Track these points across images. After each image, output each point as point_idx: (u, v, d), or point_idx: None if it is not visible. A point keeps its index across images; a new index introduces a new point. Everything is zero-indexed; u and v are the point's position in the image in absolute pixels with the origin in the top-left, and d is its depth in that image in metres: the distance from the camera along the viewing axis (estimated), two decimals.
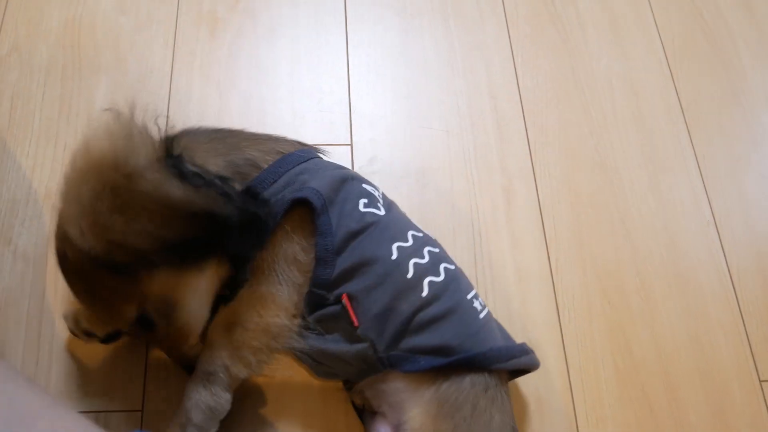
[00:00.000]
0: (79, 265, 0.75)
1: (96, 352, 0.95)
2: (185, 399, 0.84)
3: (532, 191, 1.15)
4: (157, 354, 0.95)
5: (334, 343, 0.83)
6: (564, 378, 1.00)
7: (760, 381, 1.04)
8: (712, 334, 1.07)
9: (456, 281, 0.86)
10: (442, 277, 0.84)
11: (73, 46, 1.17)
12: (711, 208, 1.17)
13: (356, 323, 0.81)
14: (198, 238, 0.73)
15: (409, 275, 0.82)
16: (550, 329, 1.03)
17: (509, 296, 1.05)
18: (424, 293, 0.81)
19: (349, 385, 0.91)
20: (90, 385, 0.93)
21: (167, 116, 1.11)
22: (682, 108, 1.26)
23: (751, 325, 1.08)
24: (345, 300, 0.81)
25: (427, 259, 0.84)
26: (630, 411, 0.99)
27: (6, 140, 1.08)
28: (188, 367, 0.86)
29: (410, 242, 0.85)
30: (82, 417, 0.60)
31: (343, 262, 0.82)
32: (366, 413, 0.90)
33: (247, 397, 0.93)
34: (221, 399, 0.83)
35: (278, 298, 0.82)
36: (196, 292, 0.81)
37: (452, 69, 1.25)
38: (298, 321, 0.83)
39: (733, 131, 1.25)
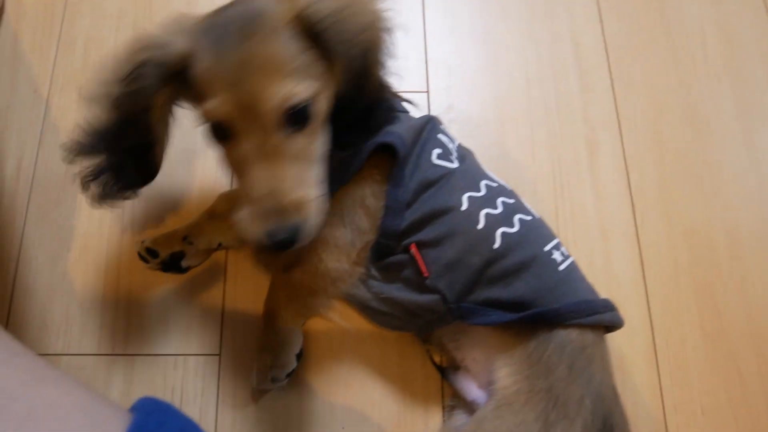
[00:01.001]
0: None
1: (174, 298, 0.95)
2: (261, 341, 0.88)
3: (617, 142, 1.09)
4: (232, 301, 0.95)
5: (400, 291, 0.82)
6: (648, 338, 0.97)
7: None
8: None
9: (533, 232, 0.81)
10: (516, 229, 0.80)
11: None
12: None
13: (426, 273, 0.79)
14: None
15: (480, 226, 0.79)
16: (635, 287, 0.99)
17: (592, 251, 1.01)
18: (496, 245, 0.78)
19: (426, 337, 0.89)
20: (168, 330, 0.94)
21: None
22: None
23: None
24: (414, 250, 0.79)
25: (500, 209, 0.81)
26: (717, 375, 0.95)
27: (80, 87, 1.08)
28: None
29: (483, 192, 0.82)
30: (74, 389, 0.56)
31: (413, 213, 0.80)
32: (448, 368, 0.89)
33: (324, 346, 0.93)
34: (289, 336, 0.86)
35: (340, 242, 0.80)
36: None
37: (532, 13, 1.19)
38: (359, 269, 0.82)
39: None
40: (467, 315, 0.79)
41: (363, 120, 0.77)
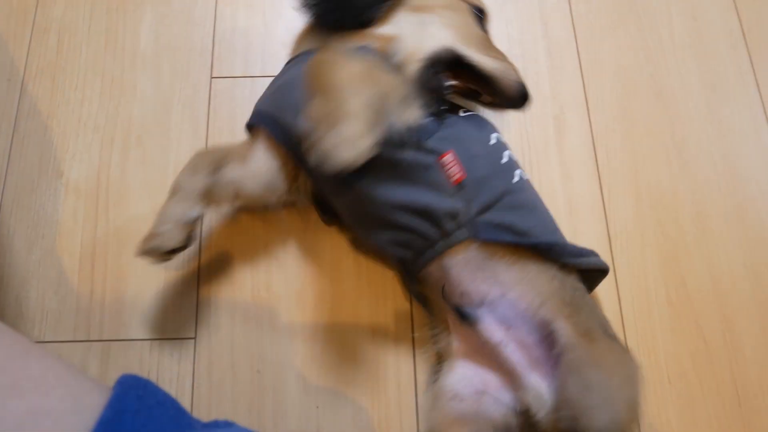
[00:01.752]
0: None
1: (148, 283, 0.96)
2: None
3: (585, 120, 1.11)
4: (207, 284, 0.96)
5: (417, 195, 0.81)
6: (615, 308, 0.99)
7: None
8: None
9: (532, 187, 0.90)
10: (524, 179, 0.89)
11: None
12: None
13: (461, 177, 0.81)
14: None
15: (504, 161, 0.87)
16: (602, 258, 1.01)
17: (560, 227, 1.02)
18: (515, 180, 0.86)
19: (409, 274, 0.89)
20: (143, 315, 0.95)
21: (212, 46, 1.10)
22: (743, 32, 1.20)
23: None
24: (450, 154, 0.82)
25: (508, 158, 0.89)
26: (683, 343, 0.98)
27: (54, 74, 1.09)
28: None
29: (498, 141, 0.90)
30: (56, 364, 0.57)
31: (448, 128, 0.85)
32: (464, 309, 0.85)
33: (297, 328, 0.95)
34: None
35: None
36: None
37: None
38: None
39: None
40: (484, 230, 0.81)
41: None
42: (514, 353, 0.81)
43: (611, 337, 0.81)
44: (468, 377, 0.84)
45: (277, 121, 0.87)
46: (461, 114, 0.90)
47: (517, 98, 0.90)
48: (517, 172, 0.88)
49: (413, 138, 0.81)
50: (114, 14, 1.14)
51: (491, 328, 0.82)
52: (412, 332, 0.95)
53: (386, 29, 0.89)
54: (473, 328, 0.83)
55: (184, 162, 0.97)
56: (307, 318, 0.95)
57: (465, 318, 0.83)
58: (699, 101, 1.14)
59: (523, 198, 0.85)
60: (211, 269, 0.98)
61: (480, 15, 0.95)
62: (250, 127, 0.92)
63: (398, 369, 0.94)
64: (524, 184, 0.88)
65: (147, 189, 1.01)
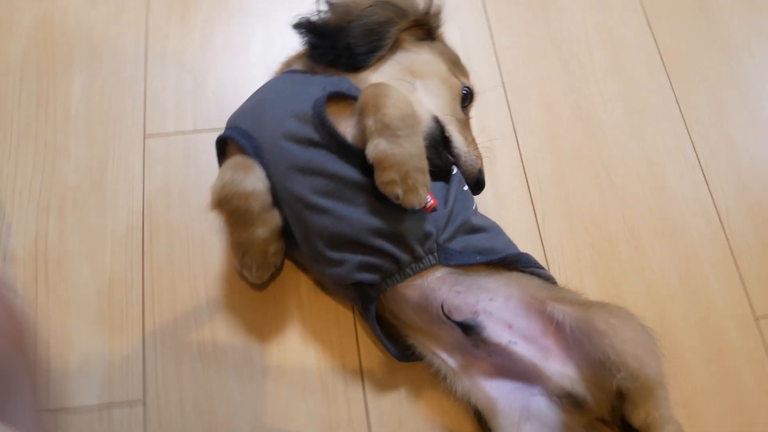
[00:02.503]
0: None
1: (94, 347, 0.95)
2: None
3: (514, 150, 1.15)
4: (153, 340, 0.96)
5: (399, 219, 0.83)
6: None
7: (756, 318, 1.05)
8: (704, 276, 1.08)
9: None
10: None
11: (45, 44, 1.17)
12: (696, 152, 1.17)
13: (434, 203, 0.85)
14: None
15: (465, 188, 0.93)
16: None
17: None
18: (474, 206, 0.93)
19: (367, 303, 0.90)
20: (90, 380, 0.94)
21: (143, 106, 1.11)
22: (661, 55, 1.26)
23: (743, 263, 1.09)
24: None
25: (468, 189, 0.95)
26: None
27: None
28: None
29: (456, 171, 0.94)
30: None
31: None
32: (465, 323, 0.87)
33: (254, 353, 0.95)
34: None
35: None
36: None
37: None
38: None
39: (714, 75, 1.25)
40: (452, 258, 0.86)
41: None
42: (525, 349, 0.85)
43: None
44: (510, 395, 0.87)
45: (252, 137, 0.88)
46: None
47: (473, 185, 0.95)
48: (473, 197, 0.94)
49: None
50: (44, 79, 1.14)
51: (496, 330, 0.86)
52: (360, 362, 0.97)
53: (375, 77, 0.92)
54: (478, 338, 0.86)
55: (121, 226, 0.98)
56: (255, 367, 0.95)
57: (469, 329, 0.86)
58: (622, 124, 1.18)
59: (483, 221, 0.92)
60: (156, 327, 0.97)
61: (468, 98, 0.98)
62: (223, 140, 0.93)
63: (348, 404, 0.94)
64: (477, 211, 0.94)
65: (86, 253, 1.01)
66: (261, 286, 0.99)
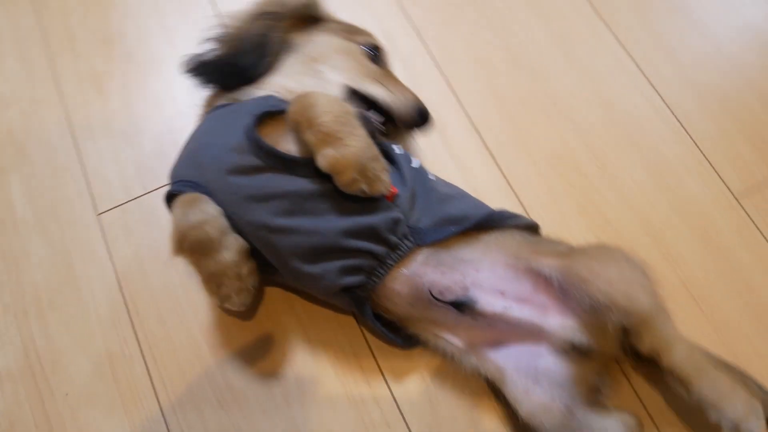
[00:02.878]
0: None
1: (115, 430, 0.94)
2: None
3: (460, 113, 1.15)
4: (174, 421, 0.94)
5: (360, 218, 0.83)
6: None
7: (735, 197, 1.06)
8: (675, 173, 1.09)
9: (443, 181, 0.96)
10: (434, 177, 0.94)
11: None
12: (632, 59, 1.19)
13: (394, 192, 0.84)
14: None
15: (414, 165, 0.92)
16: None
17: None
18: (432, 177, 0.93)
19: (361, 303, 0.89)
20: None
21: (87, 186, 1.09)
22: None
23: (707, 150, 1.10)
24: None
25: (419, 164, 0.95)
26: None
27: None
28: None
29: (402, 151, 0.94)
30: None
31: None
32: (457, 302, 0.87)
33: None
34: None
35: None
36: None
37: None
38: None
39: None
40: (426, 236, 0.86)
41: None
42: (522, 311, 0.86)
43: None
44: (517, 360, 0.87)
45: (197, 184, 0.86)
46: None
47: (415, 121, 0.96)
48: (427, 171, 0.93)
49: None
50: None
51: (489, 301, 0.86)
52: (376, 360, 0.97)
53: (283, 80, 0.93)
54: (474, 313, 0.86)
55: (103, 307, 0.96)
56: (277, 398, 0.94)
57: (462, 307, 0.86)
58: (555, 55, 1.19)
59: (445, 191, 0.91)
60: (168, 392, 0.95)
61: (374, 52, 0.99)
62: (173, 195, 0.89)
63: (378, 403, 0.94)
64: (438, 179, 0.93)
65: (78, 345, 0.99)
66: (249, 314, 0.99)
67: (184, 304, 1.00)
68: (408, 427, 0.92)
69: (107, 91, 1.17)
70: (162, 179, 1.08)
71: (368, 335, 0.98)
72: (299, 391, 0.95)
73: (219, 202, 0.84)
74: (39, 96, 1.17)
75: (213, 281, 0.83)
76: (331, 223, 0.83)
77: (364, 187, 0.79)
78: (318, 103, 0.81)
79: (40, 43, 1.21)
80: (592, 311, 0.81)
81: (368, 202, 0.83)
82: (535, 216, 1.05)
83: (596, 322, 0.83)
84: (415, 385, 0.95)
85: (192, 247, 0.82)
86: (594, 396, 0.87)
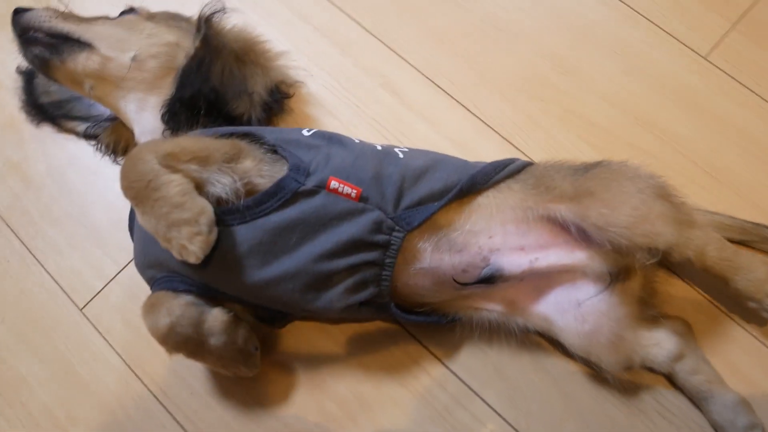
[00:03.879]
0: None
1: None
2: None
3: (407, 67, 1.10)
4: None
5: (338, 235, 0.78)
6: None
7: (705, 58, 1.06)
8: (639, 53, 1.08)
9: (417, 150, 0.90)
10: (405, 149, 0.88)
11: None
12: None
13: (358, 190, 0.78)
14: None
15: (379, 148, 0.87)
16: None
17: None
18: (401, 156, 0.85)
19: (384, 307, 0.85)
20: None
21: (58, 286, 1.00)
22: None
23: (661, 20, 1.09)
24: (333, 180, 0.78)
25: (382, 146, 0.89)
26: None
27: None
28: None
29: (358, 141, 0.89)
30: None
31: (315, 155, 0.81)
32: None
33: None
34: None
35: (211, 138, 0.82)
36: None
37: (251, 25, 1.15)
38: (237, 166, 0.79)
39: None
40: (412, 219, 0.80)
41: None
42: (548, 257, 0.83)
43: (589, 168, 0.85)
44: (558, 303, 0.85)
45: (163, 276, 0.80)
46: (304, 133, 0.86)
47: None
48: (396, 150, 0.87)
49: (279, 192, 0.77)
50: None
51: (512, 261, 0.82)
52: (424, 346, 0.93)
53: None
54: (503, 279, 0.83)
55: (127, 401, 0.89)
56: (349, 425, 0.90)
57: (491, 280, 0.83)
58: None
59: (419, 164, 0.84)
60: None
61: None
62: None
63: (443, 387, 0.91)
64: (410, 153, 0.87)
65: None
66: (289, 352, 0.94)
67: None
68: (482, 399, 0.90)
69: (33, 178, 1.06)
70: (131, 248, 0.99)
71: (409, 328, 0.94)
72: (362, 407, 0.91)
73: (199, 284, 0.79)
74: None
75: (219, 366, 0.82)
76: (309, 254, 0.77)
77: (175, 254, 0.73)
78: (127, 160, 0.76)
79: None
80: (616, 251, 0.80)
81: (337, 216, 0.78)
82: (521, 143, 1.02)
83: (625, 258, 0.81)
84: (472, 358, 0.92)
85: (179, 348, 0.79)
86: (643, 311, 0.86)
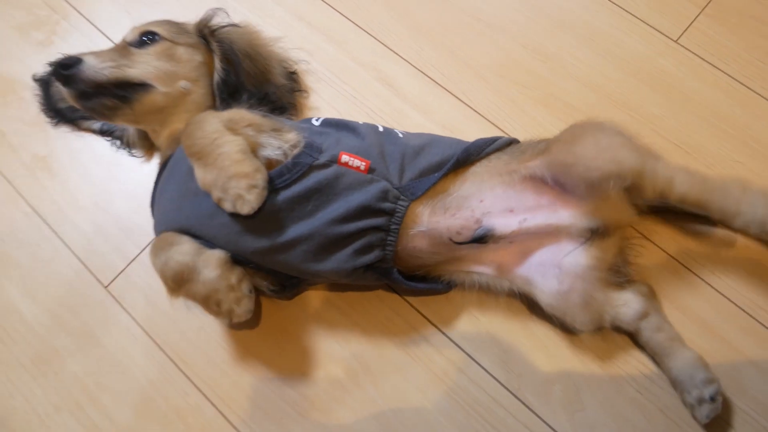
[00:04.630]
0: None
1: None
2: None
3: (398, 60, 1.18)
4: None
5: (348, 202, 0.86)
6: None
7: (676, 41, 1.13)
8: (612, 39, 1.15)
9: (415, 132, 0.99)
10: (403, 132, 0.97)
11: None
12: None
13: (367, 163, 0.87)
14: None
15: (381, 129, 0.96)
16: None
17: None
18: (400, 136, 0.95)
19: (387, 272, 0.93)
20: None
21: (84, 266, 1.08)
22: None
23: (631, 6, 1.17)
24: (344, 155, 0.87)
25: (383, 128, 0.97)
26: None
27: None
28: None
29: (363, 123, 0.97)
30: None
31: (326, 138, 0.91)
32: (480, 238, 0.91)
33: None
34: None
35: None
36: None
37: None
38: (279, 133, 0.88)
39: None
40: (416, 189, 0.89)
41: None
42: (535, 218, 0.90)
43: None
44: (541, 265, 0.92)
45: (185, 230, 0.88)
46: (314, 123, 0.95)
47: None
48: (396, 131, 0.96)
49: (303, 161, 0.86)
50: None
51: (503, 222, 0.90)
52: (423, 315, 1.00)
53: None
54: (495, 238, 0.91)
55: (151, 370, 0.98)
56: (365, 390, 0.98)
57: (483, 239, 0.91)
58: None
59: (417, 142, 0.94)
60: (251, 427, 0.98)
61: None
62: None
63: (441, 353, 0.98)
64: (408, 134, 0.96)
65: (143, 415, 0.99)
66: (291, 321, 1.01)
67: (223, 335, 1.02)
68: (479, 365, 0.97)
69: (59, 171, 1.15)
70: (150, 231, 1.07)
71: (408, 298, 1.02)
72: (366, 372, 0.98)
73: (215, 244, 0.87)
74: None
75: (210, 303, 0.86)
76: (323, 219, 0.86)
77: (228, 205, 0.82)
78: (192, 122, 0.86)
79: None
80: (592, 189, 0.86)
81: (348, 186, 0.86)
82: (506, 127, 1.10)
83: (600, 198, 0.87)
84: (469, 324, 0.99)
85: (175, 281, 0.85)
86: (614, 276, 0.93)
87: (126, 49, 0.97)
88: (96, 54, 0.95)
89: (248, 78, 0.99)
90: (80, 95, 0.93)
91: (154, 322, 1.04)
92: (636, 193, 0.89)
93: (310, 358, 1.00)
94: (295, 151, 0.87)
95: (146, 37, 0.98)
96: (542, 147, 0.91)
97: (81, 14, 1.26)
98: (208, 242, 0.87)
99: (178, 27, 1.02)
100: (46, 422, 1.00)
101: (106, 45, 1.08)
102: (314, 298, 1.03)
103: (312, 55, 1.19)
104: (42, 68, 1.12)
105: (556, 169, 0.87)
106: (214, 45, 0.99)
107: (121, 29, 1.06)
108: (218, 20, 1.02)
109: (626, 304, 0.92)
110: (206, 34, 1.01)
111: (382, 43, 1.19)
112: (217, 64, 0.98)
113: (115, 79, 0.93)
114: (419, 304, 1.01)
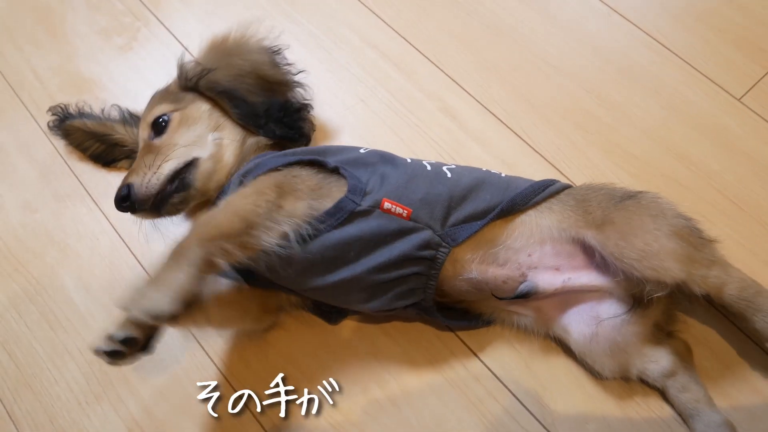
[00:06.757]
0: None
1: None
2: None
3: (462, 94, 1.20)
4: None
5: (390, 251, 0.86)
6: None
7: (739, 100, 1.13)
8: (677, 93, 1.16)
9: (464, 168, 0.97)
10: (453, 167, 0.95)
11: (17, 269, 1.15)
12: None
13: (408, 209, 0.87)
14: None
15: (429, 169, 0.93)
16: (555, 174, 1.11)
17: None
18: (449, 176, 0.92)
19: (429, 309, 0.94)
20: None
21: (138, 263, 1.12)
22: None
23: (697, 63, 1.18)
24: (386, 202, 0.87)
25: (431, 164, 0.95)
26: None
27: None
28: None
29: (410, 159, 0.97)
30: None
31: (370, 175, 0.90)
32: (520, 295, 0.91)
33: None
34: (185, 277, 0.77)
35: (260, 183, 0.87)
36: None
37: (324, 50, 1.28)
38: (282, 211, 0.84)
39: None
40: (457, 235, 0.88)
41: (278, 121, 1.01)
42: (580, 278, 0.90)
43: (623, 198, 0.90)
44: (580, 320, 0.92)
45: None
46: (361, 151, 0.95)
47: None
48: (445, 168, 0.95)
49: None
50: (38, 299, 1.10)
51: (547, 280, 0.90)
52: (463, 342, 1.01)
53: None
54: (536, 297, 0.91)
55: (182, 357, 1.01)
56: (403, 414, 0.98)
57: (526, 295, 0.90)
58: (525, 12, 1.26)
59: (465, 183, 0.91)
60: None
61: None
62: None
63: (479, 381, 0.98)
64: (458, 171, 0.94)
65: (178, 408, 1.01)
66: (356, 343, 1.02)
67: (264, 349, 1.04)
68: (515, 396, 0.96)
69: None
70: None
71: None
72: (403, 393, 0.99)
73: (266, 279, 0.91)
74: (62, 192, 1.19)
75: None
76: (365, 266, 0.87)
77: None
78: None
79: (44, 141, 1.23)
80: (631, 284, 0.87)
81: (390, 235, 0.86)
82: (564, 168, 1.11)
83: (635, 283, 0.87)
84: (508, 355, 0.99)
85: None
86: (654, 333, 0.92)
87: (150, 146, 1.00)
88: (133, 171, 0.97)
89: (254, 96, 1.01)
90: (152, 211, 0.96)
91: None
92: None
93: (351, 376, 1.01)
94: (338, 195, 0.87)
95: (160, 123, 1.00)
96: (598, 217, 0.88)
97: (162, 23, 1.32)
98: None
99: (168, 93, 1.04)
100: (86, 411, 1.02)
101: (180, 53, 1.10)
102: (358, 317, 1.04)
103: (380, 83, 1.23)
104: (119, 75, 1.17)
105: (604, 253, 0.87)
106: (207, 93, 1.01)
107: (197, 39, 1.11)
108: (191, 67, 1.02)
109: (656, 360, 0.90)
110: (192, 87, 1.02)
111: (450, 77, 1.22)
112: (222, 104, 1.01)
113: (165, 180, 0.96)
114: (460, 330, 1.02)
